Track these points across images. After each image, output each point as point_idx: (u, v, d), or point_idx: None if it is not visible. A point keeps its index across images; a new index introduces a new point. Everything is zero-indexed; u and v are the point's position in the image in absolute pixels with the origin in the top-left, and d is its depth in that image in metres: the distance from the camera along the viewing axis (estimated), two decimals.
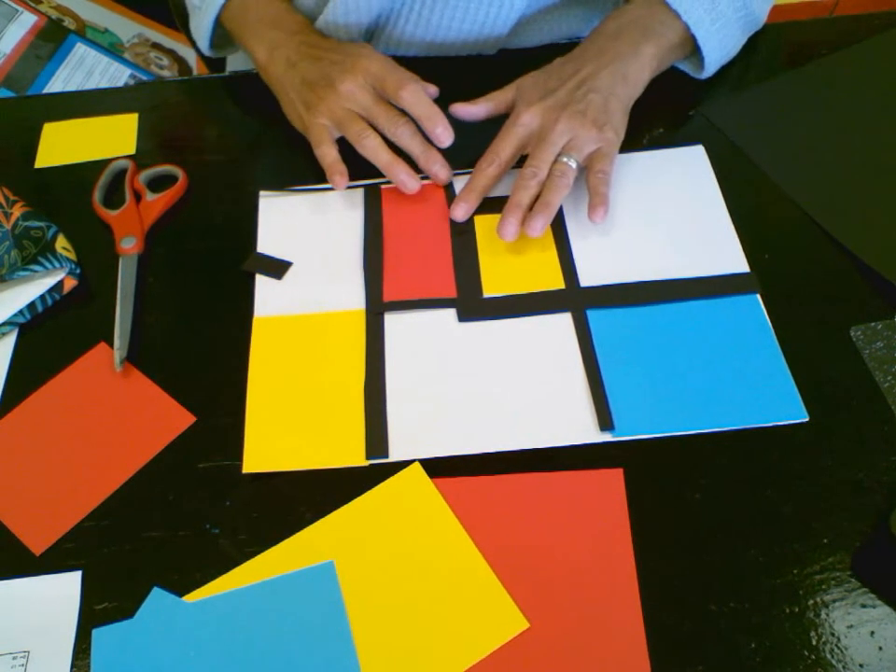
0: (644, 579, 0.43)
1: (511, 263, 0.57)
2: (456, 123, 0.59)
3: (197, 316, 0.56)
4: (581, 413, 0.49)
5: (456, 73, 0.68)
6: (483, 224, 0.59)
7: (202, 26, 0.68)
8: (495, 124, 0.60)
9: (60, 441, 0.51)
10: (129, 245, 0.59)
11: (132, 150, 0.67)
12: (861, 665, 0.40)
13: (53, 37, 1.25)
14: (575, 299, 0.54)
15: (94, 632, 0.43)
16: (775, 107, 0.65)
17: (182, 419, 0.51)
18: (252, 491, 0.48)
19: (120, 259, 0.59)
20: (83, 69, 1.27)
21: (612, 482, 0.46)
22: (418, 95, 0.58)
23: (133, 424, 0.51)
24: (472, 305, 0.55)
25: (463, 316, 0.54)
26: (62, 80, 1.25)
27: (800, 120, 0.64)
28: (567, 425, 0.49)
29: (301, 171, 0.63)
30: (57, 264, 0.56)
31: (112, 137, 0.68)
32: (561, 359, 0.52)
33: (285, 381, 0.52)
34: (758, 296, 0.54)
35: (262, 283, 0.57)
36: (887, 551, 0.44)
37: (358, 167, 0.60)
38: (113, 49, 1.30)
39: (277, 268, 0.58)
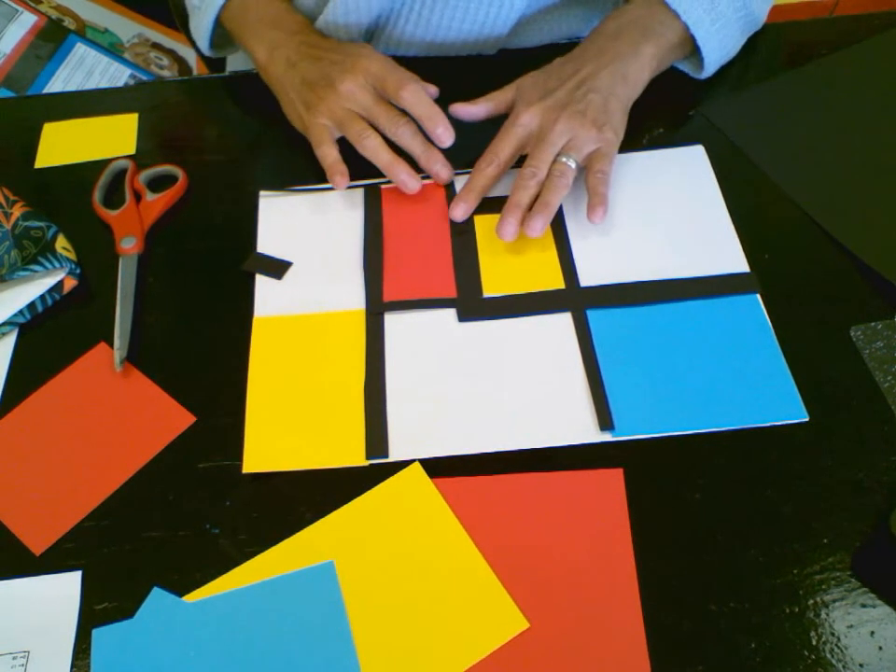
0: (644, 579, 0.43)
1: (510, 263, 0.57)
2: (456, 123, 0.59)
3: (197, 316, 0.56)
4: (580, 412, 0.49)
5: (456, 73, 0.68)
6: (483, 224, 0.59)
7: (201, 26, 0.68)
8: (495, 124, 0.60)
9: (60, 441, 0.51)
10: (129, 245, 0.59)
11: (132, 150, 0.67)
12: (861, 665, 0.40)
13: (53, 37, 1.25)
14: (575, 299, 0.54)
15: (94, 632, 0.43)
16: (775, 107, 0.65)
17: (182, 419, 0.51)
18: (252, 491, 0.48)
19: (120, 259, 0.59)
20: (83, 69, 1.27)
21: (612, 482, 0.46)
22: (419, 95, 0.58)
23: (133, 424, 0.51)
24: (472, 305, 0.55)
25: (463, 316, 0.54)
26: (62, 80, 1.25)
27: (800, 120, 0.64)
28: (567, 424, 0.49)
29: (301, 171, 0.63)
30: (57, 264, 0.56)
31: (112, 137, 0.68)
32: (561, 359, 0.52)
33: (285, 381, 0.52)
34: (758, 296, 0.54)
35: (262, 283, 0.57)
36: (887, 551, 0.44)
37: (359, 167, 0.60)
38: (113, 48, 1.30)
39: (277, 268, 0.58)
